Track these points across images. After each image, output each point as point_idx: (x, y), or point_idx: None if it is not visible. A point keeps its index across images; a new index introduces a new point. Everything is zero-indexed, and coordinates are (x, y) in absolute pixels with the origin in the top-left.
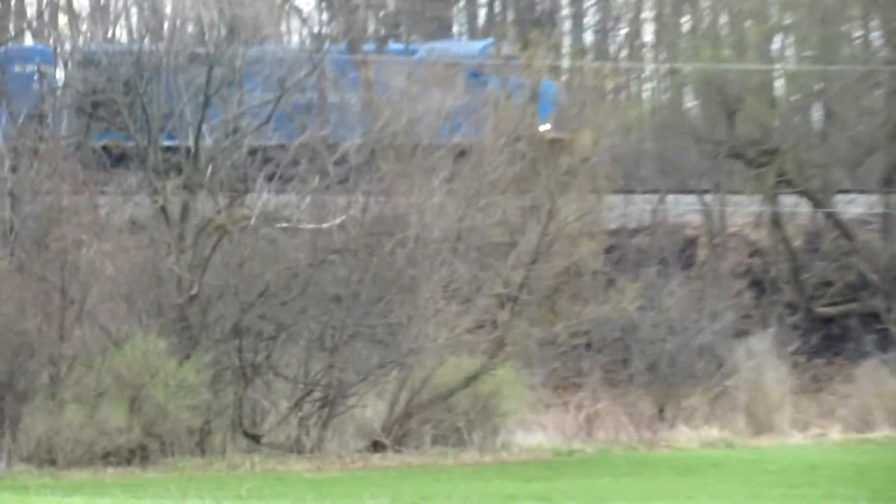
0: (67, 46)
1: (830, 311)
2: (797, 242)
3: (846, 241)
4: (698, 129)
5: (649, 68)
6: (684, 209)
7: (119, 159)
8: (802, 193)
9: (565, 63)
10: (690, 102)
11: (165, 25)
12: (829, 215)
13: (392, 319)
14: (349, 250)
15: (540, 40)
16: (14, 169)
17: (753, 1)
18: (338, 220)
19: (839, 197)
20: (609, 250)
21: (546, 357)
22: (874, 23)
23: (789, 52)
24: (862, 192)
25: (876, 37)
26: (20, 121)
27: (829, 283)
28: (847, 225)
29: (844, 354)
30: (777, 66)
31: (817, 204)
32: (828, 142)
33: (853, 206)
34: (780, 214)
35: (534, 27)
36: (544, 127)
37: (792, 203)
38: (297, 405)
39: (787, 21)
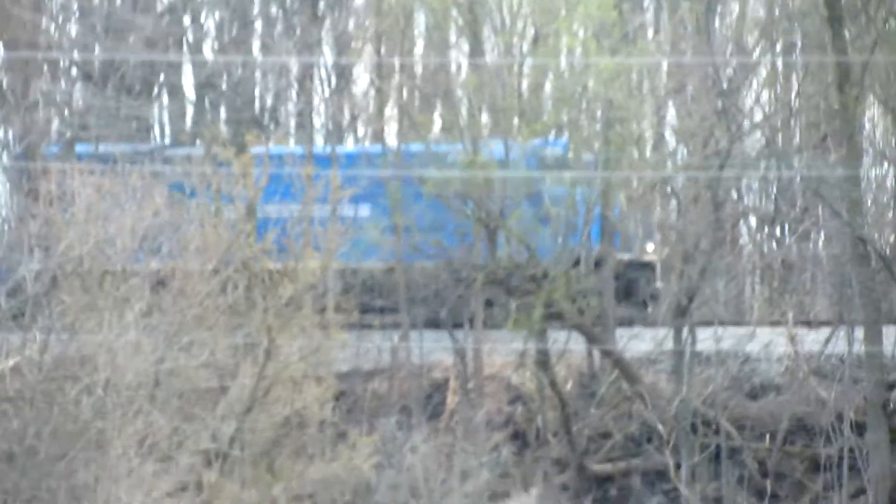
0: None
1: (607, 468)
2: (568, 386)
3: (628, 384)
4: (450, 250)
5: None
6: (432, 347)
7: None
8: (575, 328)
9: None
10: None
11: None
12: (608, 354)
13: (76, 481)
14: (24, 398)
15: (258, 143)
16: None
17: (523, 98)
18: (10, 362)
19: (620, 332)
20: (339, 397)
21: None
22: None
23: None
24: (648, 325)
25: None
26: None
27: (606, 435)
28: (629, 365)
29: None
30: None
31: (593, 340)
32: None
33: (637, 343)
34: (547, 353)
35: (252, 128)
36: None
37: (563, 339)
38: None
39: (564, 119)
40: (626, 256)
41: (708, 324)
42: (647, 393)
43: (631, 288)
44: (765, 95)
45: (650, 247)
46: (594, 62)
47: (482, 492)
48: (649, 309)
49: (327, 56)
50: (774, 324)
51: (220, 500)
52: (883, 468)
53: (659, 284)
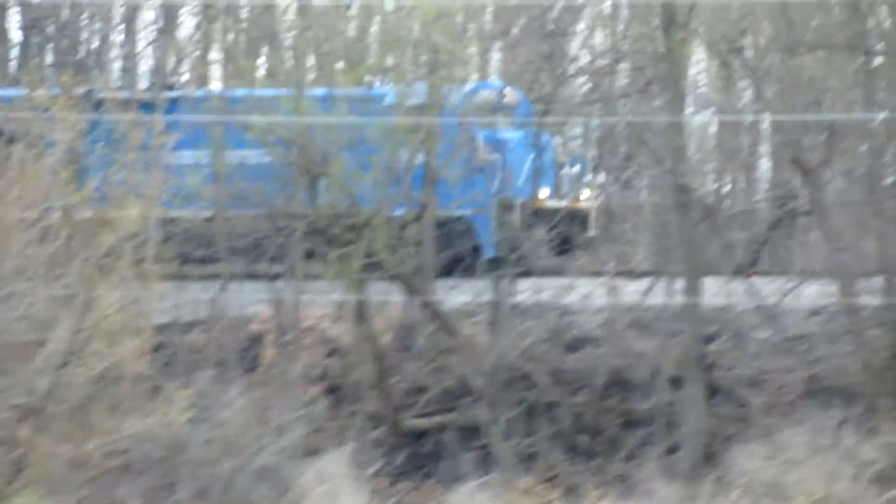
0: None
1: (422, 423)
2: (386, 339)
3: (446, 337)
4: (272, 199)
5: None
6: (251, 299)
7: None
8: (394, 279)
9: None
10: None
11: None
12: (426, 306)
13: None
14: None
15: (80, 85)
16: None
17: (347, 40)
18: None
19: (441, 283)
20: (157, 349)
21: (76, 482)
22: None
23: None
24: (467, 276)
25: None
26: None
27: (422, 390)
28: (448, 317)
29: (437, 476)
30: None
31: (412, 292)
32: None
33: (456, 294)
34: (365, 305)
35: (76, 71)
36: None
37: (382, 291)
38: None
39: (390, 63)
40: (449, 209)
41: (528, 275)
42: (465, 346)
43: (453, 240)
44: (592, 39)
45: None
46: (419, 4)
47: (296, 447)
48: (470, 261)
49: None
50: (595, 274)
51: (34, 456)
52: (698, 423)
53: (482, 237)
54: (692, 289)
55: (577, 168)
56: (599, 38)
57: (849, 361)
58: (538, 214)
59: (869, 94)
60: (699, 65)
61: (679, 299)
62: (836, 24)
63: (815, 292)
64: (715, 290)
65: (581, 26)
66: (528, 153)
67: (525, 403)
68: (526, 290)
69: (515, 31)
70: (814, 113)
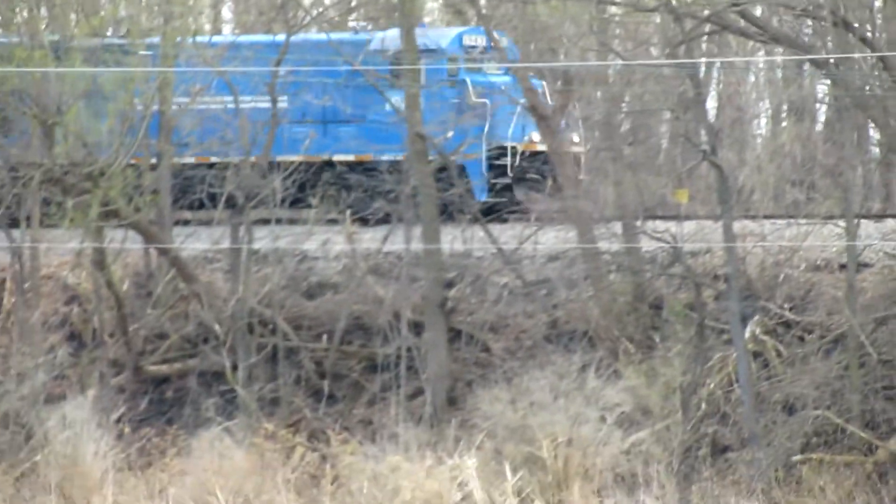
0: None
1: (164, 369)
2: (125, 287)
3: (185, 284)
4: (7, 148)
5: None
6: None
7: None
8: (132, 226)
9: None
10: None
11: None
12: (165, 252)
13: None
14: None
15: None
16: None
17: None
18: None
19: (178, 231)
20: None
21: None
22: None
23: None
24: (205, 223)
25: None
26: None
27: (162, 336)
28: (186, 264)
29: (180, 422)
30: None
31: (150, 239)
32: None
33: (195, 242)
34: (103, 252)
35: None
36: None
37: (120, 239)
38: None
39: (124, 13)
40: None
41: (266, 222)
42: (204, 293)
43: (191, 188)
44: None
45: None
46: None
47: (38, 394)
48: (210, 208)
49: None
50: (333, 221)
51: None
52: (440, 367)
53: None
54: (431, 235)
55: None
56: None
57: (589, 306)
58: None
59: (603, 42)
60: (434, 14)
61: (418, 245)
62: None
63: (554, 238)
64: (455, 237)
65: None
66: None
67: (266, 349)
68: (265, 237)
69: None
70: (549, 61)
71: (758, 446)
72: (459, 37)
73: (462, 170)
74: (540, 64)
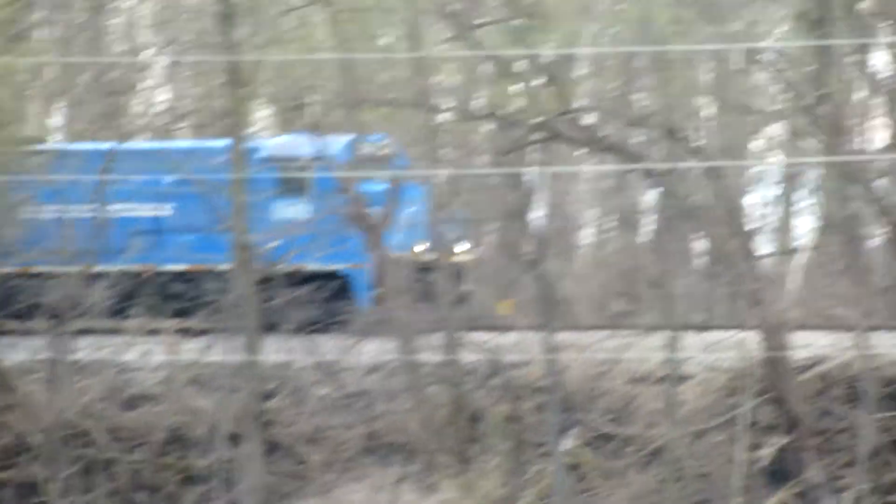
0: None
1: None
2: None
3: (3, 394)
4: None
5: None
6: None
7: None
8: None
9: None
10: None
11: None
12: None
13: None
14: None
15: None
16: None
17: None
18: None
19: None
20: None
21: None
22: None
23: None
24: (28, 333)
25: None
26: None
27: None
28: (5, 374)
29: None
30: None
31: None
32: None
33: (15, 352)
34: None
35: None
36: None
37: None
38: None
39: None
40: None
41: (88, 332)
42: (24, 403)
43: (13, 298)
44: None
45: None
46: None
47: None
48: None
49: None
50: (154, 332)
51: None
52: (257, 479)
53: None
54: (251, 345)
55: None
56: (166, 96)
57: (408, 418)
58: None
59: (431, 149)
60: (265, 121)
61: (238, 356)
62: (401, 81)
63: (374, 349)
64: (275, 348)
65: (148, 83)
66: None
67: (83, 460)
68: (86, 348)
69: (79, 89)
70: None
71: None
72: (350, 144)
73: (346, 279)
74: (359, 172)
